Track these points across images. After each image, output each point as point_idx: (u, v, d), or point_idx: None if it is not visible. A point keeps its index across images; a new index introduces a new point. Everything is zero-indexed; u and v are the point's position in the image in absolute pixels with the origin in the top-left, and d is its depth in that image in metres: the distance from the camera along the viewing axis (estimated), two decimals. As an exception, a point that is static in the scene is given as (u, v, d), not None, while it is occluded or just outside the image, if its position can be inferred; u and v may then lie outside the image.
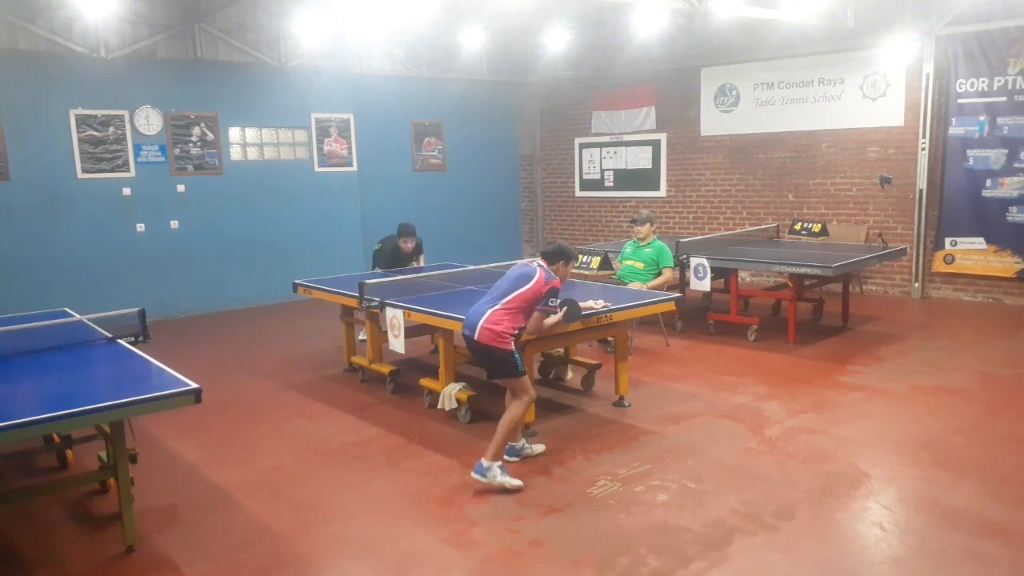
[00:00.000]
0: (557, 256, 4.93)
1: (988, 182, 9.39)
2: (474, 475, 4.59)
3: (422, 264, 8.33)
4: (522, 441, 5.06)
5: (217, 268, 10.44)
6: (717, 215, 11.89)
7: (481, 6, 9.53)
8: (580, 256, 8.01)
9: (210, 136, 10.26)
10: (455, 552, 3.89)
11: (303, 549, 3.98)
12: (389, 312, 5.97)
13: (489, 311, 4.69)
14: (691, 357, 7.46)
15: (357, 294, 6.27)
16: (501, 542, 3.97)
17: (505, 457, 4.85)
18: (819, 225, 9.71)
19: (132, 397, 3.69)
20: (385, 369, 6.60)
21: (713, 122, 11.74)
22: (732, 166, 11.64)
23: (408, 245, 8.06)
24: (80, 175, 9.36)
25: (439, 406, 5.81)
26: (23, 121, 8.97)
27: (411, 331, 6.22)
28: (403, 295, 6.25)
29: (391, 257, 8.09)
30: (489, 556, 3.83)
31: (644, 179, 12.72)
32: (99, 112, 9.43)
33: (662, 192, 12.50)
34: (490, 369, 4.83)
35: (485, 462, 4.57)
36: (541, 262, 4.88)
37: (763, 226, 10.70)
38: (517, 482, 4.55)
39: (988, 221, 9.42)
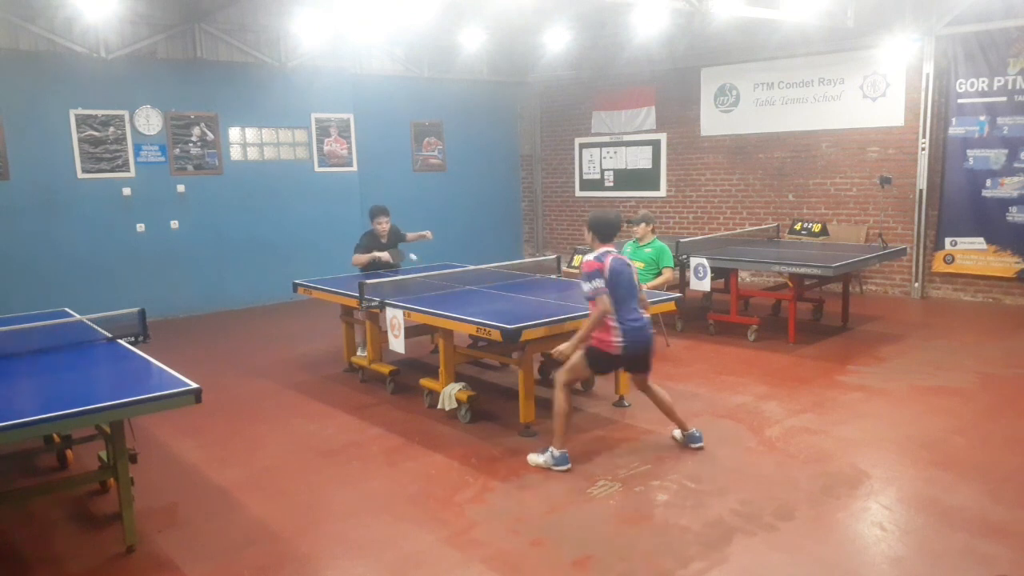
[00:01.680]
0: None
1: (988, 182, 9.39)
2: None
3: (409, 239, 8.02)
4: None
5: (217, 268, 10.45)
6: (717, 215, 11.89)
7: (481, 6, 9.52)
8: (579, 257, 8.04)
9: (210, 136, 10.27)
10: (455, 552, 3.89)
11: (303, 549, 3.98)
12: (389, 312, 5.97)
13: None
14: (691, 357, 7.46)
15: (357, 294, 6.28)
16: (501, 542, 3.97)
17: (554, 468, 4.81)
18: (819, 225, 9.71)
19: (132, 397, 3.69)
20: (385, 369, 6.60)
21: (713, 122, 11.74)
22: (732, 166, 11.64)
23: (383, 225, 7.71)
24: (80, 175, 9.36)
25: (439, 406, 5.81)
26: (23, 121, 8.97)
27: (411, 331, 6.22)
28: (403, 295, 6.25)
29: (370, 241, 7.73)
30: (489, 556, 3.83)
31: (644, 179, 12.72)
32: (99, 112, 9.44)
33: (662, 192, 12.50)
34: (647, 363, 4.97)
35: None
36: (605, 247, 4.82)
37: (763, 226, 10.70)
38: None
39: (988, 221, 9.42)
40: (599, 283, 4.57)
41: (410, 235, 8.07)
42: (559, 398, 4.79)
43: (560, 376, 4.84)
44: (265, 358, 7.93)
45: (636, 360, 4.85)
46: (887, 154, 10.16)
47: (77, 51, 9.26)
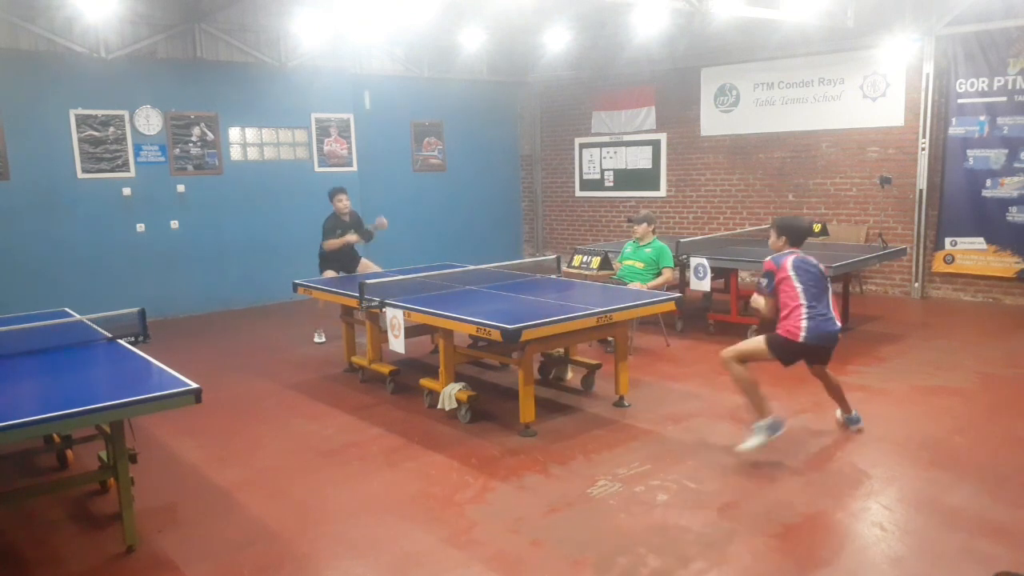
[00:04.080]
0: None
1: (988, 182, 9.39)
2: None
3: (368, 233, 8.47)
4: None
5: (217, 268, 10.44)
6: (717, 215, 11.89)
7: (481, 6, 9.52)
8: (579, 257, 8.04)
9: (210, 136, 10.26)
10: (455, 552, 3.89)
11: (303, 549, 3.98)
12: (389, 312, 5.97)
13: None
14: (691, 357, 7.46)
15: (357, 294, 6.28)
16: (501, 542, 3.97)
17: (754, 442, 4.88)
18: (819, 225, 9.68)
19: (132, 397, 3.68)
20: (385, 369, 6.60)
21: (713, 122, 11.74)
22: (732, 166, 11.64)
23: (343, 202, 8.35)
24: (80, 175, 9.36)
25: (439, 406, 5.81)
26: (23, 121, 8.97)
27: (411, 331, 6.22)
28: (403, 295, 6.25)
29: (334, 222, 8.32)
30: (489, 556, 3.83)
31: (644, 179, 12.72)
32: (99, 112, 9.43)
33: (662, 192, 12.50)
34: (828, 356, 5.14)
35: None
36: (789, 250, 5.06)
37: (763, 226, 10.68)
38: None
39: (988, 221, 9.42)
40: (763, 282, 5.01)
41: (370, 227, 8.52)
42: (735, 371, 4.94)
43: (728, 352, 5.00)
44: (265, 358, 7.93)
45: (818, 352, 4.99)
46: (887, 154, 10.16)
47: (77, 51, 9.26)
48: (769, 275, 4.98)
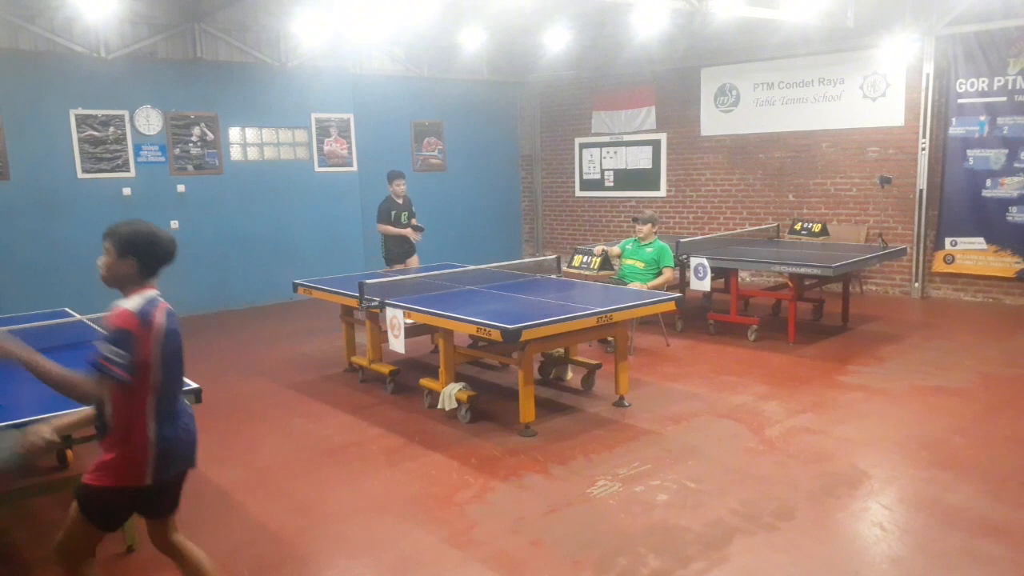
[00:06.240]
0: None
1: (988, 182, 9.39)
2: None
3: (416, 223, 8.96)
4: None
5: (217, 268, 10.44)
6: (717, 215, 11.89)
7: (481, 6, 9.52)
8: (579, 257, 8.02)
9: (210, 136, 10.26)
10: (455, 552, 3.89)
11: (303, 549, 3.98)
12: (389, 312, 5.97)
13: None
14: (691, 357, 7.46)
15: (357, 294, 6.28)
16: (501, 542, 3.97)
17: None
18: (819, 225, 9.71)
19: (132, 397, 3.68)
20: (385, 369, 6.60)
21: (713, 122, 11.74)
22: (732, 166, 11.64)
23: (401, 187, 8.89)
24: (80, 175, 9.36)
25: (439, 406, 5.81)
26: (23, 121, 8.97)
27: (411, 331, 6.22)
28: (403, 295, 6.26)
29: (389, 205, 8.86)
30: (489, 556, 3.83)
31: (644, 179, 12.72)
32: (99, 112, 9.43)
33: (662, 192, 12.50)
34: (179, 494, 3.10)
35: None
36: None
37: (763, 226, 10.69)
38: None
39: (988, 221, 9.42)
40: (124, 359, 2.66)
41: (414, 221, 9.02)
42: None
43: (60, 554, 2.91)
44: (265, 358, 7.93)
45: (168, 491, 2.97)
46: (887, 154, 10.16)
47: (77, 51, 9.26)
48: (127, 339, 2.68)
